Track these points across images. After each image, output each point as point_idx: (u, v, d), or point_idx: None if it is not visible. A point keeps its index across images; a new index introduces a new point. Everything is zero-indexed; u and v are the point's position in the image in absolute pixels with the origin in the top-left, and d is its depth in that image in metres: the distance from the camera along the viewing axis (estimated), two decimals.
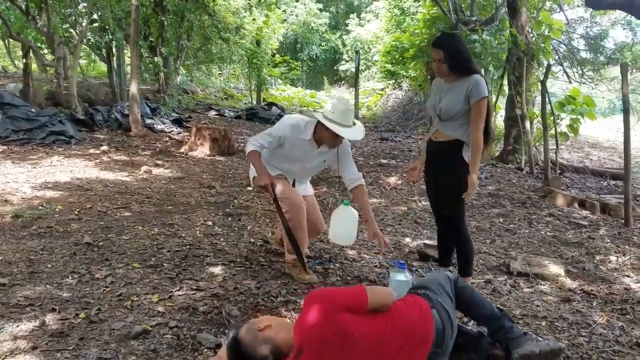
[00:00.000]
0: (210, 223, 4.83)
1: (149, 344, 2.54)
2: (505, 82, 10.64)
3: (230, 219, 5.06)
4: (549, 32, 9.66)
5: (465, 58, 3.30)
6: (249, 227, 4.78)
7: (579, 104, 8.76)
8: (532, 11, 10.68)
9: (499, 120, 10.61)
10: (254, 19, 16.64)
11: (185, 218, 4.94)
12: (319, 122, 3.37)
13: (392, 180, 7.28)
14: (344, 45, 30.26)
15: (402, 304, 2.37)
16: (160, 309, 2.92)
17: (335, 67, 31.26)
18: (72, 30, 11.45)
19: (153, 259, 3.75)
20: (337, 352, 2.10)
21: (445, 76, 3.37)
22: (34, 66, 12.95)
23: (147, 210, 5.20)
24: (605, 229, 5.43)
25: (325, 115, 3.32)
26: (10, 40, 15.15)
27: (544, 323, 3.13)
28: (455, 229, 3.51)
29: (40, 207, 4.90)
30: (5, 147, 7.70)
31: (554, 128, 8.62)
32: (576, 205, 6.52)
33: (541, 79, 8.62)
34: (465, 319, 2.97)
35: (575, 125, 8.77)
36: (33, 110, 8.87)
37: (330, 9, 32.79)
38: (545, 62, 10.18)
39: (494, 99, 12.83)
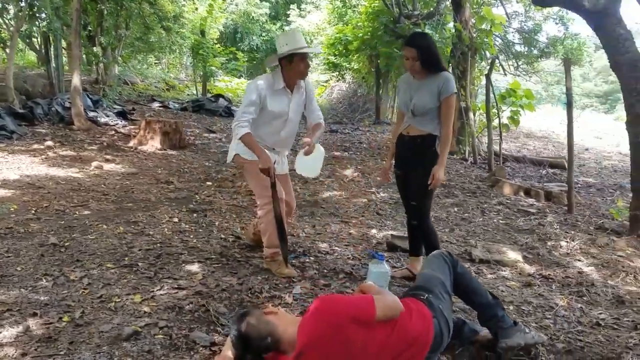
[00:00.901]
0: (176, 220, 4.79)
1: (142, 345, 2.53)
2: None
3: (195, 215, 5.03)
4: (490, 27, 10.04)
5: (435, 56, 3.45)
6: (216, 223, 4.77)
7: (519, 97, 9.20)
8: (474, 6, 11.05)
9: None
10: (196, 8, 16.30)
11: (149, 215, 4.87)
12: (283, 64, 3.52)
13: (349, 172, 7.42)
14: None
15: (407, 314, 2.35)
16: (145, 309, 2.90)
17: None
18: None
19: (126, 258, 3.69)
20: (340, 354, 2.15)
21: (416, 73, 3.50)
22: None
23: (106, 208, 5.08)
24: (552, 216, 5.79)
25: (283, 51, 3.44)
26: None
27: (511, 307, 3.33)
28: (419, 219, 3.65)
29: None
30: None
31: (496, 120, 9.02)
32: (522, 193, 6.90)
33: (485, 72, 8.99)
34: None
35: (515, 117, 9.21)
36: None
37: None
38: (489, 56, 10.59)
39: None
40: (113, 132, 9.67)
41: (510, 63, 15.64)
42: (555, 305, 3.38)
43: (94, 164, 6.90)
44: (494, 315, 2.62)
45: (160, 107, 13.90)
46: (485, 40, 10.07)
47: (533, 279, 3.89)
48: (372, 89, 17.11)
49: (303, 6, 28.72)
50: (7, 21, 11.13)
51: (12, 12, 10.88)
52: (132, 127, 10.30)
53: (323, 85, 20.97)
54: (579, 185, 8.25)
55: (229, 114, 13.52)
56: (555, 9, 14.31)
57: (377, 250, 4.30)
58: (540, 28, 15.34)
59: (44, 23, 10.99)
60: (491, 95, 8.75)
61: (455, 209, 5.91)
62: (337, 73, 20.10)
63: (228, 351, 2.33)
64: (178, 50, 19.94)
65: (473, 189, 6.94)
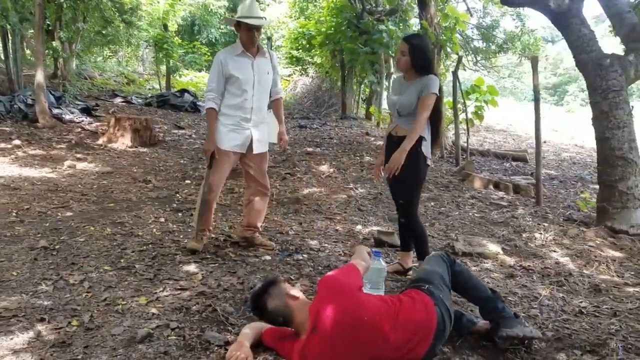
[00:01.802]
0: (162, 220, 4.80)
1: (158, 347, 2.57)
2: None
3: (180, 214, 5.05)
4: (454, 24, 10.30)
5: (426, 58, 3.57)
6: None
7: (483, 92, 9.50)
8: (439, 4, 11.29)
9: None
10: (158, 1, 16.02)
11: (134, 216, 4.86)
12: (236, 29, 3.81)
13: (325, 168, 7.54)
14: None
15: (409, 300, 2.57)
16: (153, 311, 2.93)
17: None
18: None
19: (122, 260, 3.70)
20: (349, 336, 2.33)
21: (404, 70, 3.63)
22: None
23: (88, 209, 5.03)
24: (523, 209, 6.06)
25: (237, 17, 3.75)
26: None
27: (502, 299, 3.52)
28: (407, 217, 3.78)
29: None
30: None
31: (462, 115, 9.29)
32: (491, 187, 7.17)
33: (452, 70, 9.24)
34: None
35: (480, 112, 9.52)
36: None
37: None
38: (453, 54, 10.85)
39: None
40: (79, 129, 9.47)
41: (469, 59, 16.07)
42: (539, 295, 3.58)
43: (67, 163, 6.78)
44: (495, 307, 2.79)
45: (122, 102, 13.65)
46: (450, 36, 10.32)
47: (514, 270, 4.10)
48: (335, 84, 17.26)
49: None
50: None
51: None
52: (98, 124, 10.12)
53: (286, 80, 20.97)
54: (542, 177, 8.59)
55: (195, 109, 13.40)
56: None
57: (365, 246, 4.42)
58: (498, 24, 15.80)
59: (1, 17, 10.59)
60: (458, 91, 9.00)
61: (432, 204, 6.11)
62: (300, 67, 20.16)
63: (245, 341, 2.43)
64: (136, 43, 19.61)
65: (446, 183, 7.17)
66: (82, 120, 10.24)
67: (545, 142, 13.64)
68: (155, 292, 3.20)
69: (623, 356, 2.73)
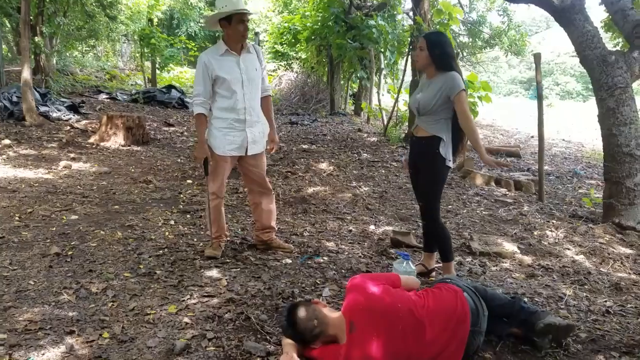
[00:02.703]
0: (172, 222, 4.68)
1: (198, 359, 2.49)
2: (407, 67, 11.13)
3: (189, 216, 4.93)
4: (448, 20, 10.29)
5: (445, 54, 3.50)
6: None
7: (477, 88, 9.52)
8: None
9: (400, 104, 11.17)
10: None
11: (143, 218, 4.73)
12: (223, 25, 3.61)
13: (324, 166, 7.46)
14: None
15: (437, 289, 2.69)
16: (186, 320, 2.84)
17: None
18: None
19: (141, 266, 3.59)
20: (383, 317, 2.44)
21: (422, 66, 3.57)
22: None
23: (93, 212, 4.88)
24: (528, 206, 6.08)
25: (223, 12, 3.53)
26: None
27: (525, 299, 3.50)
28: (429, 219, 3.74)
29: None
30: None
31: None
32: (493, 183, 7.19)
33: None
34: None
35: (473, 108, 9.53)
36: None
37: None
38: None
39: (393, 84, 13.48)
40: (68, 127, 9.22)
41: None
42: (563, 295, 3.58)
43: (62, 163, 6.59)
44: (520, 308, 2.82)
45: (108, 99, 13.36)
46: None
47: (534, 269, 4.10)
48: (321, 79, 17.15)
49: None
50: None
51: None
52: (87, 121, 9.87)
53: (271, 75, 20.78)
54: (537, 173, 8.66)
55: (182, 105, 13.19)
56: (499, 0, 14.85)
57: (379, 246, 4.38)
58: (484, 19, 15.87)
59: None
60: None
61: None
62: (285, 62, 19.99)
63: (292, 352, 2.38)
64: (117, 38, 19.21)
65: (448, 181, 7.14)
66: (70, 118, 9.97)
67: (532, 137, 13.79)
68: (183, 300, 3.10)
69: None
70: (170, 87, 13.86)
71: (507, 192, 6.77)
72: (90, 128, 9.23)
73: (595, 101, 5.63)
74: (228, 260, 3.80)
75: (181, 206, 5.22)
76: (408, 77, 11.68)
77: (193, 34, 30.09)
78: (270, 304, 3.13)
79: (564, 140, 13.45)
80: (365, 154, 8.57)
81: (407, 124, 10.81)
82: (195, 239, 4.27)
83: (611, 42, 9.94)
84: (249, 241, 4.25)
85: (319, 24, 14.94)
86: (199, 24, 30.07)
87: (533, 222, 5.36)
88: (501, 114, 18.53)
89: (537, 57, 6.43)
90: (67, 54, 17.00)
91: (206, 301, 3.11)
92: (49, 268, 3.47)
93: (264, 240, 4.07)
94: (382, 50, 13.16)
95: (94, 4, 14.05)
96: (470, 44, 16.47)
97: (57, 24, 12.88)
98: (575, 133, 14.86)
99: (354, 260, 4.00)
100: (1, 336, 2.58)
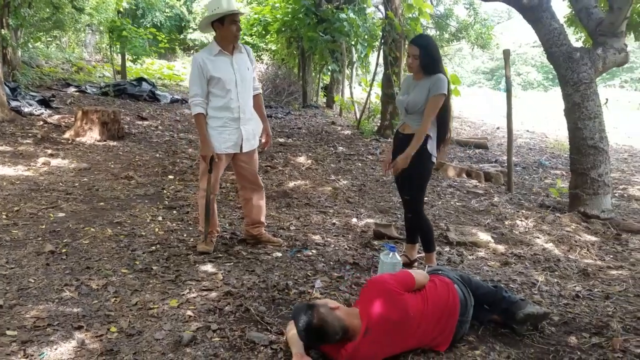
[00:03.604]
0: (160, 218, 4.78)
1: (205, 349, 2.64)
2: (379, 61, 11.36)
3: (176, 212, 5.04)
4: (418, 14, 10.52)
5: (433, 58, 3.70)
6: None
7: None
8: None
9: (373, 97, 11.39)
10: None
11: (130, 215, 4.82)
12: (216, 27, 3.72)
13: (302, 160, 7.62)
14: (190, 12, 29.32)
15: (432, 284, 2.85)
16: (189, 313, 2.98)
17: (182, 36, 30.20)
18: None
19: (136, 262, 3.70)
20: (399, 329, 2.56)
21: (414, 72, 3.76)
22: None
23: (80, 209, 4.94)
24: (498, 197, 6.38)
25: (216, 14, 3.65)
26: None
27: (505, 288, 3.75)
28: (413, 211, 3.96)
29: None
30: None
31: None
32: (464, 175, 7.48)
33: None
34: None
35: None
36: None
37: None
38: None
39: (365, 76, 13.66)
40: (41, 122, 9.11)
41: None
42: (536, 282, 3.85)
43: (41, 160, 6.57)
44: (502, 297, 3.04)
45: (77, 92, 13.16)
46: (414, 29, 10.53)
47: (507, 257, 4.37)
48: (292, 71, 17.25)
49: None
50: None
51: None
52: (59, 116, 9.76)
53: None
54: (505, 164, 9.01)
55: (153, 98, 13.11)
56: None
57: (363, 238, 4.58)
58: (452, 13, 16.20)
59: None
60: None
61: None
62: (255, 54, 19.98)
63: (301, 350, 2.53)
64: (82, 29, 18.85)
65: None
66: (42, 113, 9.84)
67: (498, 128, 14.23)
68: (183, 294, 3.24)
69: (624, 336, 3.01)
70: (140, 79, 13.73)
71: (478, 184, 7.07)
72: (63, 123, 9.15)
73: (556, 92, 5.94)
74: (221, 255, 3.95)
75: (166, 202, 5.32)
76: (380, 70, 11.92)
77: (159, 24, 29.66)
78: (267, 296, 3.29)
79: (528, 131, 13.92)
80: (341, 147, 8.76)
81: (379, 116, 11.06)
82: (185, 235, 4.39)
83: (574, 36, 10.33)
84: (238, 236, 4.40)
85: (290, 15, 15.01)
86: (164, 13, 29.66)
87: (504, 212, 5.65)
88: (466, 104, 18.97)
89: (506, 53, 6.71)
90: (31, 45, 16.63)
91: (205, 295, 3.25)
92: (46, 266, 3.55)
93: (253, 235, 4.22)
94: (354, 43, 13.36)
95: None
96: (437, 36, 16.79)
97: (23, 15, 12.62)
98: (538, 124, 15.38)
99: (340, 252, 4.19)
100: (12, 333, 2.68)
